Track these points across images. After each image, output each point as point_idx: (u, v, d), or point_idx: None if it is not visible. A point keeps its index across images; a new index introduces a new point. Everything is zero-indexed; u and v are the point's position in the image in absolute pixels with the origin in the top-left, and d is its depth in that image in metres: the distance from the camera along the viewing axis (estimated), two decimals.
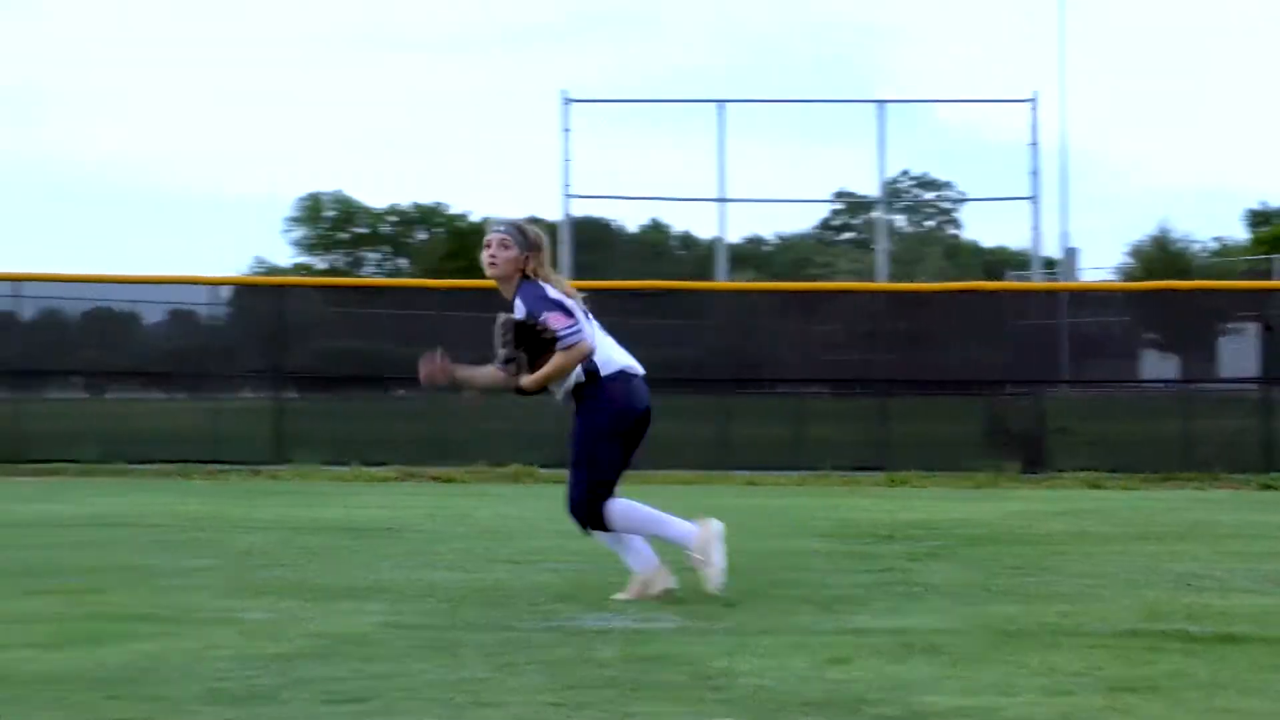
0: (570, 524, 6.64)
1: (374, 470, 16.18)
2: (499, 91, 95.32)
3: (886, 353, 18.28)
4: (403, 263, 71.49)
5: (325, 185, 78.70)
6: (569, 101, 23.36)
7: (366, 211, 72.72)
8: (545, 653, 5.26)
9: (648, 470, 14.80)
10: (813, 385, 19.21)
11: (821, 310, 19.98)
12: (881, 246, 24.75)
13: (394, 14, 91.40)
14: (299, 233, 71.34)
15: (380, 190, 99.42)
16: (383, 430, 18.04)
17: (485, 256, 6.38)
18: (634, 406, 6.45)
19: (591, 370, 6.36)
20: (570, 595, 6.65)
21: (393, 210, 73.11)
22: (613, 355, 6.46)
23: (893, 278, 25.70)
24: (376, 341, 20.34)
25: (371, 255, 73.44)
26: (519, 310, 6.32)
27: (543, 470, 16.24)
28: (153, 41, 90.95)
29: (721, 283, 22.12)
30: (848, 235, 51.73)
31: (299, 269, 64.87)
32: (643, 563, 6.51)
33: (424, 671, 4.93)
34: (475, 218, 69.33)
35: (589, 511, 6.39)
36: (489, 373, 6.47)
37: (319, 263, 70.02)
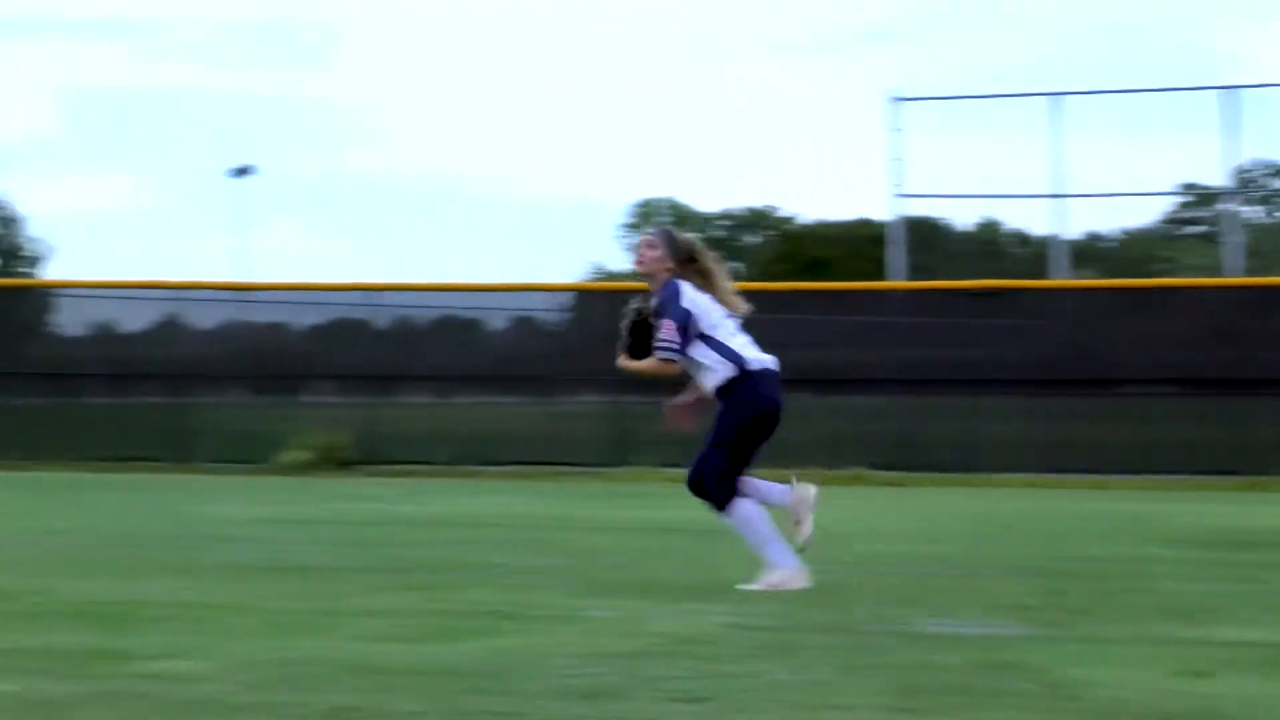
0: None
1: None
2: (829, 93, 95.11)
3: (1240, 350, 17.39)
4: (735, 266, 72.11)
5: (658, 191, 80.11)
6: (898, 100, 23.08)
7: (698, 216, 73.58)
8: (889, 657, 5.19)
9: (988, 473, 14.51)
10: (1160, 385, 18.45)
11: (1168, 307, 19.18)
12: (1233, 240, 23.57)
13: (727, 19, 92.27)
14: (634, 239, 72.81)
15: (712, 194, 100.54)
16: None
17: (634, 255, 7.17)
18: (771, 405, 6.91)
19: (740, 366, 6.84)
20: (913, 599, 6.55)
21: (725, 214, 73.79)
22: (758, 355, 6.91)
23: (1248, 272, 24.45)
24: None
25: None
26: (653, 301, 6.98)
27: (878, 473, 16.10)
28: (490, 55, 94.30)
29: (1061, 280, 21.46)
30: (1195, 229, 49.53)
31: (635, 275, 66.07)
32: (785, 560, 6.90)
33: (767, 672, 4.93)
34: (806, 220, 69.36)
35: (718, 489, 6.91)
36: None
37: None
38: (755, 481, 6.98)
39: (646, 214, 72.54)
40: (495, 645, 5.42)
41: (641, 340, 6.99)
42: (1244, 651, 5.28)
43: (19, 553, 8.43)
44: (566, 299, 19.94)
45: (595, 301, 20.03)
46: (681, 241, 7.07)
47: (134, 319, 20.91)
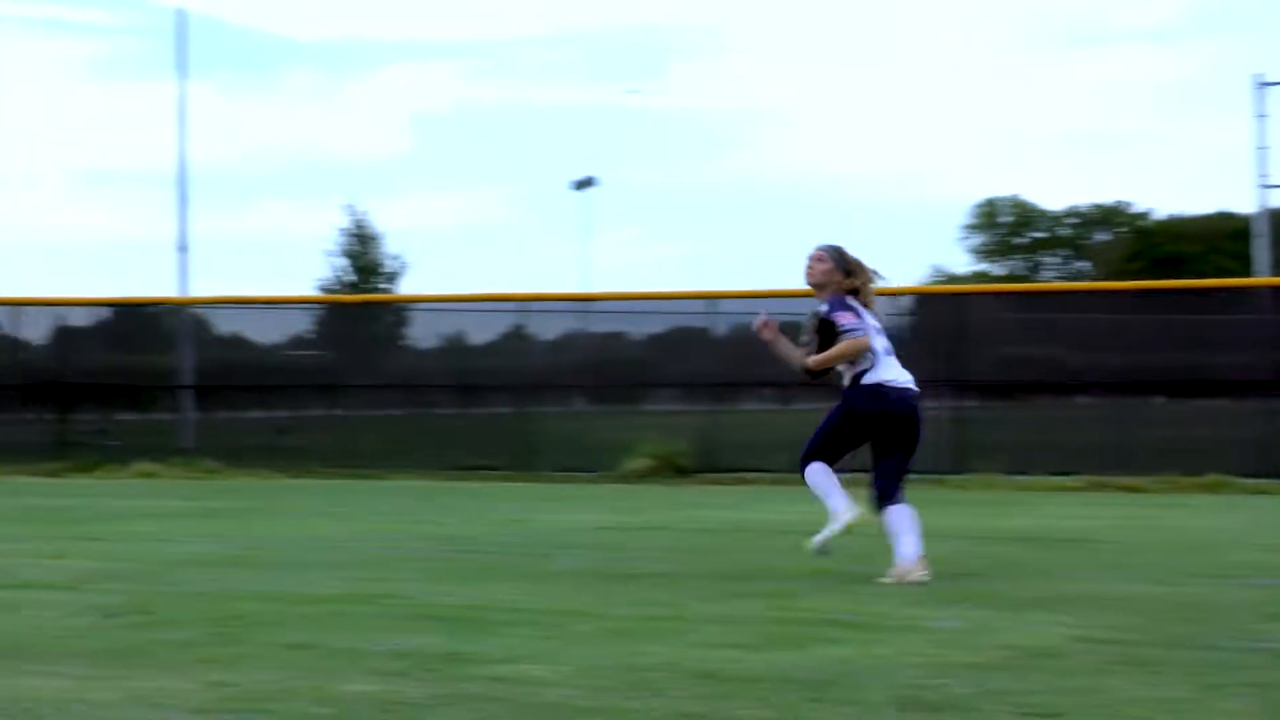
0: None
1: (1058, 479, 15.91)
2: (1183, 80, 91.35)
3: None
4: (1083, 265, 69.97)
5: (1000, 190, 78.50)
6: (1263, 85, 21.98)
7: (1043, 214, 71.81)
8: (1258, 675, 4.96)
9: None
10: None
11: None
12: None
13: (1070, 6, 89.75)
14: (976, 239, 71.50)
15: (1057, 192, 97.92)
16: (1066, 438, 17.74)
17: (806, 267, 7.99)
18: (876, 411, 7.77)
19: (856, 376, 7.77)
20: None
21: (1071, 212, 71.75)
22: (878, 370, 7.73)
23: None
24: (1057, 348, 20.04)
25: (1050, 259, 72.41)
26: (822, 309, 7.83)
27: (1244, 480, 15.37)
28: (818, 55, 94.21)
29: None
30: None
31: (977, 276, 64.97)
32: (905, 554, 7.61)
33: (1121, 689, 4.78)
34: (1159, 215, 66.80)
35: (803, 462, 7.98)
36: (796, 352, 7.96)
37: (996, 269, 69.85)
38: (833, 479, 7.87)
39: (989, 213, 71.18)
40: (838, 654, 5.42)
41: (826, 343, 7.79)
42: None
43: (374, 557, 8.88)
44: (907, 302, 19.71)
45: (936, 305, 19.76)
46: (850, 259, 7.98)
47: (481, 331, 21.79)
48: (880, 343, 7.82)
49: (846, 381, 7.85)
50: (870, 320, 7.82)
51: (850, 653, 5.45)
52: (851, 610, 6.49)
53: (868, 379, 7.75)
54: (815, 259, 7.94)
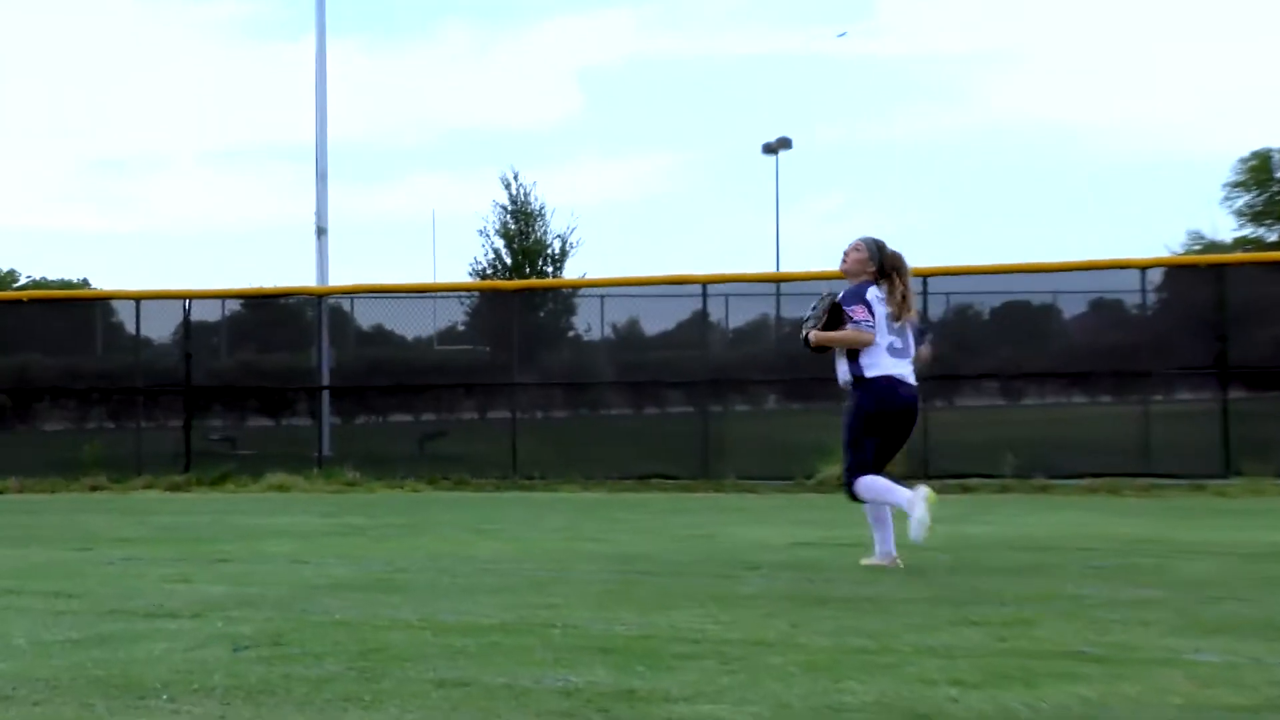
0: None
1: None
2: None
3: None
4: None
5: (1274, 141, 76.43)
6: None
7: None
8: None
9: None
10: None
11: None
12: None
13: None
14: (1243, 199, 69.73)
15: None
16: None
17: (843, 256, 9.43)
18: (890, 406, 9.18)
19: (859, 374, 9.21)
20: None
21: None
22: (883, 364, 9.13)
23: None
24: None
25: None
26: (838, 294, 9.28)
27: None
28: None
29: None
30: None
31: (1241, 243, 63.36)
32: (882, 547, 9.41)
33: None
34: None
35: (849, 483, 9.29)
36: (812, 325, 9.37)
37: (1270, 234, 68.04)
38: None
39: (1261, 168, 69.34)
40: (1079, 693, 5.31)
41: (833, 325, 9.20)
42: None
43: (536, 580, 8.94)
44: (1158, 276, 19.28)
45: (1194, 279, 19.29)
46: (888, 254, 9.31)
47: (658, 320, 21.80)
48: (890, 341, 9.14)
49: (847, 378, 9.28)
50: (882, 315, 9.13)
51: (1094, 692, 5.33)
52: (1094, 641, 6.36)
53: (873, 373, 9.15)
54: (853, 249, 9.39)
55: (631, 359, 21.84)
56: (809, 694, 5.29)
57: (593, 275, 34.14)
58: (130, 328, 22.71)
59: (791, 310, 20.67)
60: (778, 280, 21.73)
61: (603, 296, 21.96)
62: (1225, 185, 70.32)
